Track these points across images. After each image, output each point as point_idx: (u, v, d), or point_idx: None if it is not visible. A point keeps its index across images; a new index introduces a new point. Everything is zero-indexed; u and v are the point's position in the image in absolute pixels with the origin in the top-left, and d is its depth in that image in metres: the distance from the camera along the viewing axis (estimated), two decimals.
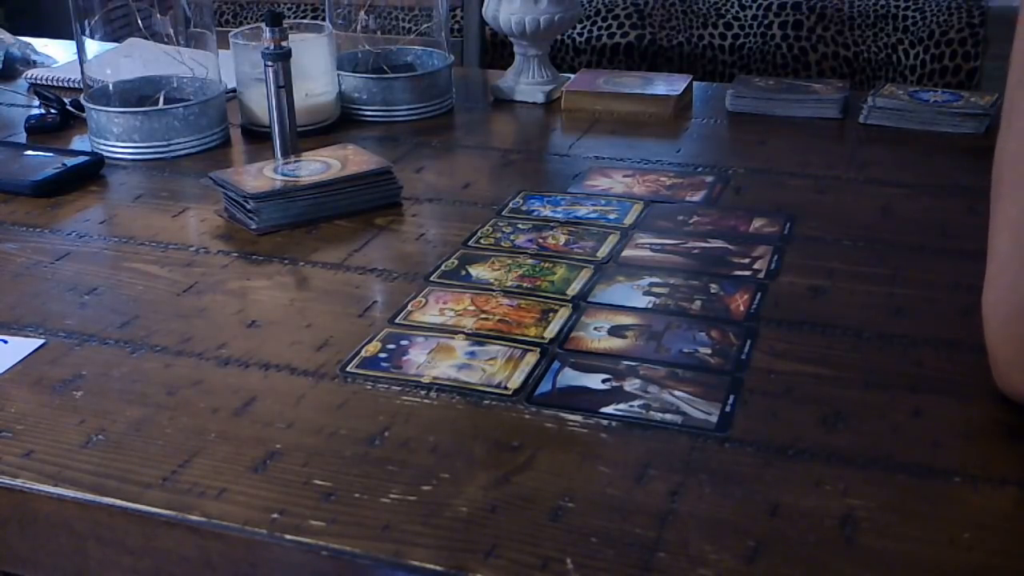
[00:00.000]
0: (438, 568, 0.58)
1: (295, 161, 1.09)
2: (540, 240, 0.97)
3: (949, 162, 1.15)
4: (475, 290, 0.88)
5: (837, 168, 1.13)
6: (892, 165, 1.14)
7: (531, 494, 0.64)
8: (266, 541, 0.61)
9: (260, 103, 1.21)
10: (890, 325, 0.82)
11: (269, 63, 1.12)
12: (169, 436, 0.70)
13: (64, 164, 1.14)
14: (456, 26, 2.18)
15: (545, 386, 0.75)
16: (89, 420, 0.72)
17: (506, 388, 0.74)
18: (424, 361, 0.78)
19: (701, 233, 0.98)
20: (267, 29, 1.12)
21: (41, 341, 0.82)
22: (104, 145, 1.20)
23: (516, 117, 1.35)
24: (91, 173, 1.15)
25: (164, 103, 1.23)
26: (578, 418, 0.71)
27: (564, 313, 0.84)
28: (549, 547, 0.59)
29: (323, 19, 1.35)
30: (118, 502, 0.64)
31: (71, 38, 1.27)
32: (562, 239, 0.97)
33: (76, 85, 1.41)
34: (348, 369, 0.77)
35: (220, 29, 1.33)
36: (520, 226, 1.00)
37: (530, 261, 0.93)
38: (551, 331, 0.81)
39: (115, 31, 1.27)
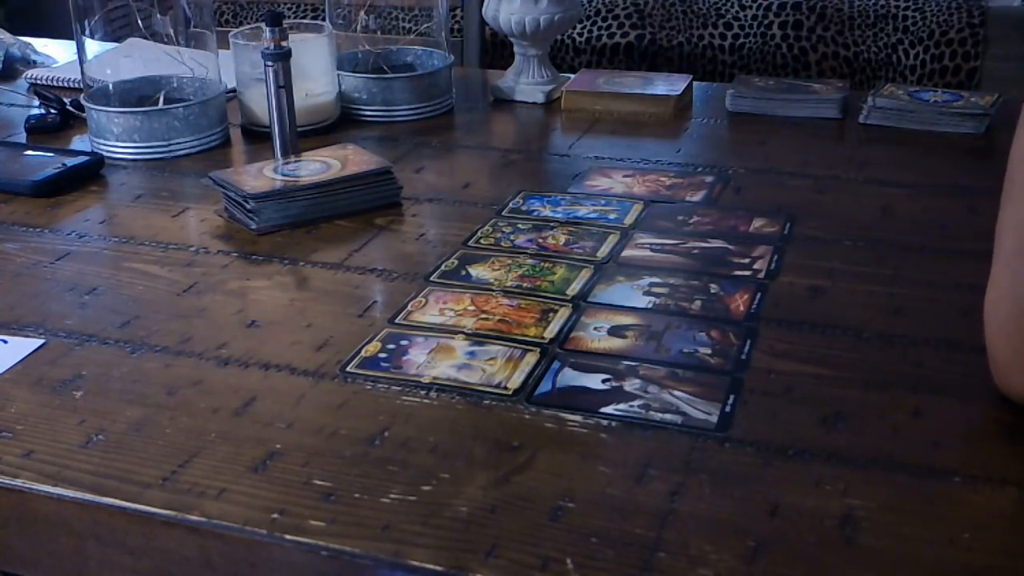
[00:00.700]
0: (438, 568, 0.58)
1: (295, 161, 1.09)
2: (540, 240, 0.97)
3: (949, 162, 1.15)
4: (475, 290, 0.88)
5: (837, 168, 1.13)
6: (892, 165, 1.14)
7: (531, 494, 0.64)
8: (266, 541, 0.61)
9: (260, 103, 1.21)
10: (890, 325, 0.82)
11: (269, 63, 1.12)
12: (169, 436, 0.70)
13: (64, 164, 1.14)
14: (456, 26, 2.17)
15: (545, 386, 0.75)
16: (89, 420, 0.72)
17: (506, 388, 0.74)
18: (424, 361, 0.78)
19: (701, 233, 0.98)
20: (267, 29, 1.12)
21: (41, 341, 0.82)
22: (104, 145, 1.20)
23: (516, 117, 1.35)
24: (91, 173, 1.15)
25: (164, 103, 1.23)
26: (578, 418, 0.71)
27: (564, 313, 0.84)
28: (549, 547, 0.59)
29: (323, 19, 1.35)
30: (118, 502, 0.64)
31: (71, 38, 1.27)
32: (562, 239, 0.97)
33: (76, 85, 1.41)
34: (348, 369, 0.77)
35: (220, 29, 1.33)
36: (520, 226, 1.00)
37: (530, 261, 0.93)
38: (551, 331, 0.81)
39: (115, 31, 1.27)
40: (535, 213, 1.03)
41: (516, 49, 1.38)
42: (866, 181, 1.10)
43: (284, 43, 1.13)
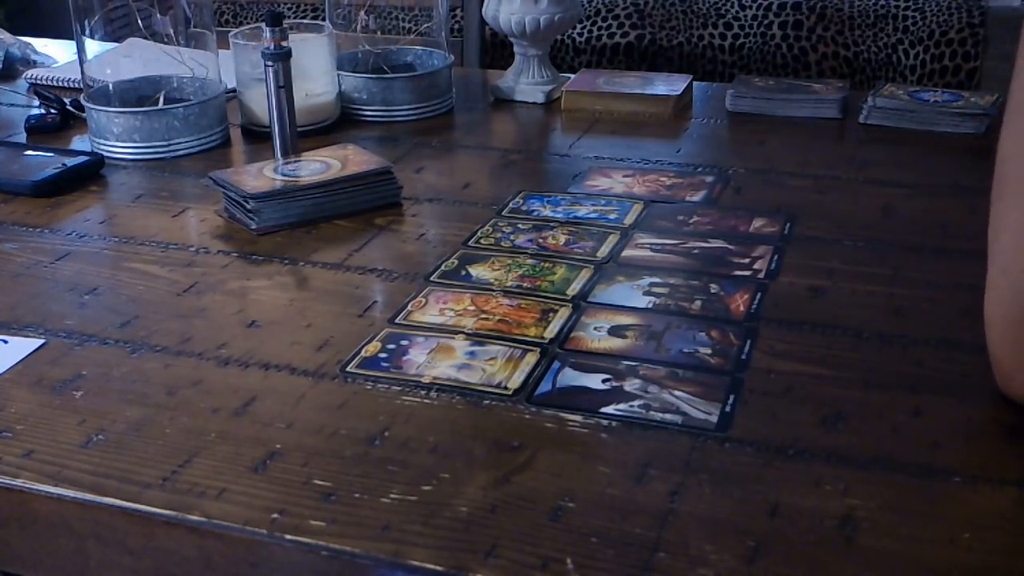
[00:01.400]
0: (438, 568, 0.58)
1: (295, 161, 1.09)
2: (540, 240, 0.97)
3: (949, 162, 1.15)
4: (475, 290, 0.88)
5: (837, 168, 1.13)
6: (892, 165, 1.14)
7: (531, 494, 0.64)
8: (266, 541, 0.61)
9: (260, 103, 1.21)
10: (890, 325, 0.82)
11: (269, 63, 1.12)
12: (169, 436, 0.70)
13: (64, 164, 1.14)
14: (456, 26, 2.18)
15: (545, 386, 0.75)
16: (89, 420, 0.72)
17: (506, 388, 0.74)
18: (424, 361, 0.78)
19: (701, 233, 0.98)
20: (267, 29, 1.12)
21: (41, 341, 0.82)
22: (104, 145, 1.20)
23: (516, 117, 1.35)
24: (91, 173, 1.15)
25: (164, 103, 1.23)
26: (578, 418, 0.71)
27: (564, 313, 0.84)
28: (549, 547, 0.59)
29: (323, 19, 1.35)
30: (118, 502, 0.64)
31: (71, 38, 1.27)
32: (562, 239, 0.97)
33: (76, 85, 1.41)
34: (348, 369, 0.77)
35: (220, 29, 1.33)
36: (520, 226, 1.00)
37: (530, 261, 0.93)
38: (551, 331, 0.81)
39: (115, 31, 1.27)
40: (535, 213, 1.03)
41: (516, 49, 1.38)
42: (866, 181, 1.10)
43: (284, 43, 1.13)
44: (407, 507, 0.63)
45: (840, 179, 1.11)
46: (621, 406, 0.72)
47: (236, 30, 1.25)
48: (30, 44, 1.59)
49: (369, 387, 0.75)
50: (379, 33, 1.40)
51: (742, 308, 0.84)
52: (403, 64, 1.39)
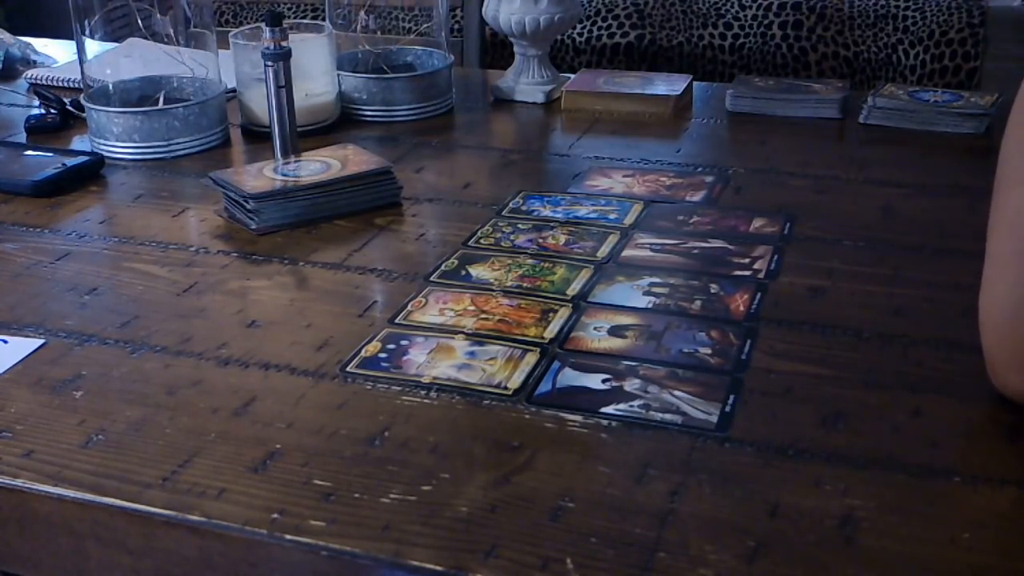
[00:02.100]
0: (438, 568, 0.58)
1: (295, 161, 1.09)
2: (540, 240, 0.97)
3: (949, 162, 1.15)
4: (475, 290, 0.88)
5: (837, 168, 1.13)
6: (892, 165, 1.14)
7: (531, 494, 0.64)
8: (266, 541, 0.61)
9: (260, 103, 1.21)
10: (890, 325, 0.82)
11: (269, 63, 1.12)
12: (169, 436, 0.70)
13: (64, 164, 1.14)
14: (456, 26, 2.17)
15: (545, 386, 0.75)
16: (89, 420, 0.72)
17: (506, 388, 0.74)
18: (424, 361, 0.78)
19: (701, 233, 0.98)
20: (267, 29, 1.12)
21: (41, 341, 0.82)
22: (104, 145, 1.20)
23: (516, 117, 1.35)
24: (91, 173, 1.15)
25: (164, 103, 1.23)
26: (578, 418, 0.71)
27: (564, 313, 0.84)
28: (549, 547, 0.59)
29: (323, 19, 1.35)
30: (118, 502, 0.64)
31: (71, 38, 1.27)
32: (562, 239, 0.97)
33: (76, 85, 1.41)
34: (348, 369, 0.77)
35: (220, 29, 1.33)
36: (520, 226, 1.00)
37: (530, 261, 0.93)
38: (551, 331, 0.81)
39: (115, 31, 1.27)
40: (535, 213, 1.03)
41: (516, 49, 1.38)
42: (866, 181, 1.10)
43: (284, 43, 1.13)
44: (407, 507, 0.63)
45: (840, 179, 1.11)
46: (621, 406, 0.72)
47: (236, 30, 1.25)
48: (30, 44, 1.59)
49: (369, 387, 0.75)
50: (379, 33, 1.40)
51: (742, 308, 0.84)
52: (403, 64, 1.39)
